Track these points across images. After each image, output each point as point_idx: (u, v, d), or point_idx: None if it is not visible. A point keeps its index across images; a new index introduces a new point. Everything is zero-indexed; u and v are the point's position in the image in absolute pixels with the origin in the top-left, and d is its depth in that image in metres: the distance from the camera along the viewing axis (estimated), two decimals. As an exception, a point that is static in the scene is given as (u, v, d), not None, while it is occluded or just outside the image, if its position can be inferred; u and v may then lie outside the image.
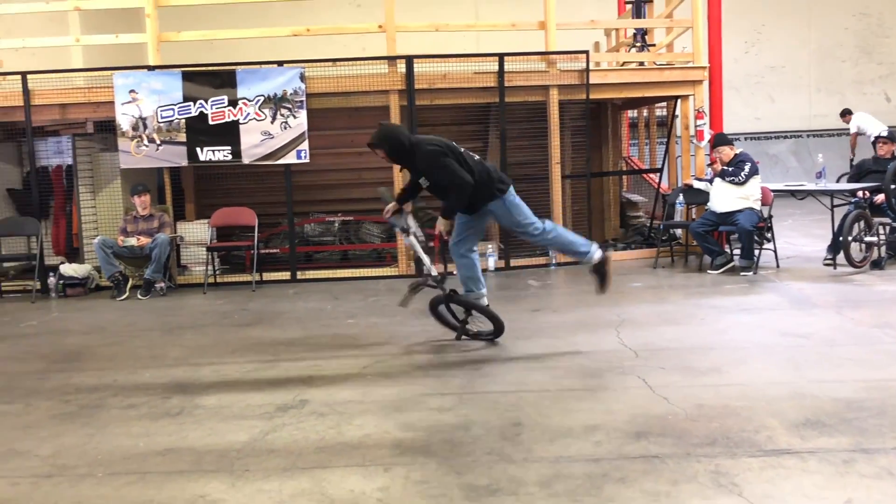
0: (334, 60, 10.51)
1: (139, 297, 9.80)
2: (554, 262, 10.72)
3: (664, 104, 13.65)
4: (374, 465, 4.25)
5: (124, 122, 10.25)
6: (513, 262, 10.79)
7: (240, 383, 5.91)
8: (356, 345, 6.93)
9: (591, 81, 10.76)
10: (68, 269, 10.33)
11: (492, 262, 10.60)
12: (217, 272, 10.71)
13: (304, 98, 10.25)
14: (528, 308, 8.25)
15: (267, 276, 10.53)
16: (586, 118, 11.13)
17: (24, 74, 10.42)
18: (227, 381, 5.99)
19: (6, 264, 11.06)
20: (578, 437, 4.48)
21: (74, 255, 11.09)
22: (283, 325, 8.01)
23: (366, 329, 7.52)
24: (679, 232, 11.45)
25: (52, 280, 10.21)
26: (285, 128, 10.23)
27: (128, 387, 5.92)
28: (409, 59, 10.43)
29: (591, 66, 10.92)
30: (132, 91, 10.23)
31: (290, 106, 10.24)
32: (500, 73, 10.56)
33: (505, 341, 6.74)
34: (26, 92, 10.37)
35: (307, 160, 10.34)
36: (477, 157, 6.61)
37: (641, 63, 12.48)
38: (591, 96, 10.85)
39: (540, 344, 6.67)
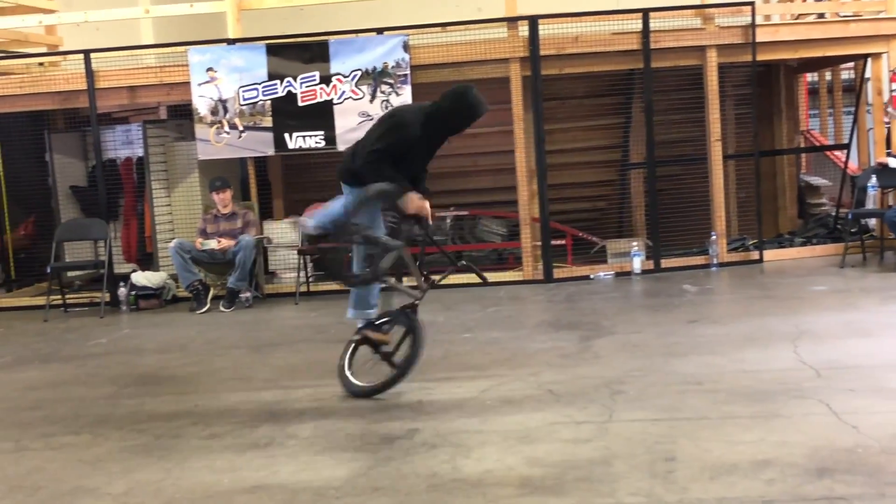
0: (443, 25, 10.62)
1: (222, 309, 10.11)
2: (716, 261, 10.58)
3: (851, 65, 13.29)
4: (496, 506, 4.29)
5: (202, 105, 10.59)
6: (663, 263, 10.71)
7: (339, 410, 6.03)
8: (473, 364, 7.00)
9: (757, 39, 10.58)
10: (141, 277, 10.69)
11: (637, 263, 10.53)
12: (310, 279, 10.93)
13: (408, 71, 10.40)
14: (682, 318, 8.17)
15: (368, 283, 10.70)
16: (753, 84, 10.98)
17: (86, 53, 10.84)
18: (323, 407, 6.12)
19: (71, 273, 11.46)
20: (745, 474, 4.42)
21: (147, 261, 11.44)
22: (388, 340, 8.13)
23: (484, 345, 7.57)
24: (872, 222, 11.13)
25: (122, 291, 10.57)
26: (387, 107, 10.38)
27: (210, 414, 6.12)
28: (534, 20, 10.45)
29: (759, 21, 10.73)
30: (210, 69, 10.56)
31: (391, 81, 10.39)
32: (645, 32, 10.48)
33: (654, 359, 6.70)
34: (90, 73, 10.79)
35: (413, 145, 10.46)
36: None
37: (821, 15, 12.19)
38: (759, 57, 10.68)
39: (698, 361, 6.60)
